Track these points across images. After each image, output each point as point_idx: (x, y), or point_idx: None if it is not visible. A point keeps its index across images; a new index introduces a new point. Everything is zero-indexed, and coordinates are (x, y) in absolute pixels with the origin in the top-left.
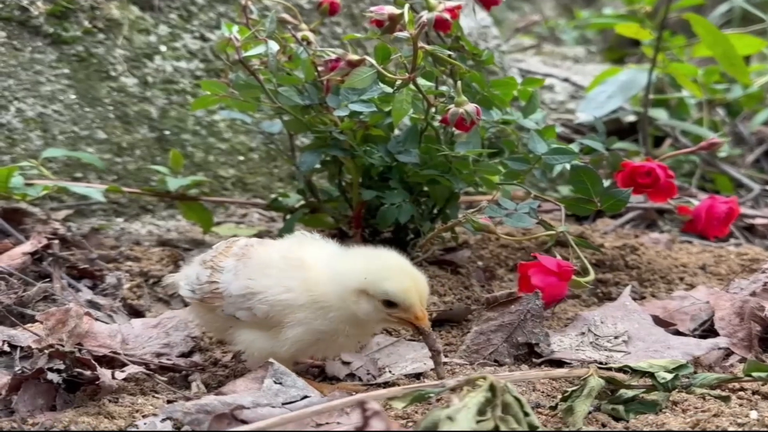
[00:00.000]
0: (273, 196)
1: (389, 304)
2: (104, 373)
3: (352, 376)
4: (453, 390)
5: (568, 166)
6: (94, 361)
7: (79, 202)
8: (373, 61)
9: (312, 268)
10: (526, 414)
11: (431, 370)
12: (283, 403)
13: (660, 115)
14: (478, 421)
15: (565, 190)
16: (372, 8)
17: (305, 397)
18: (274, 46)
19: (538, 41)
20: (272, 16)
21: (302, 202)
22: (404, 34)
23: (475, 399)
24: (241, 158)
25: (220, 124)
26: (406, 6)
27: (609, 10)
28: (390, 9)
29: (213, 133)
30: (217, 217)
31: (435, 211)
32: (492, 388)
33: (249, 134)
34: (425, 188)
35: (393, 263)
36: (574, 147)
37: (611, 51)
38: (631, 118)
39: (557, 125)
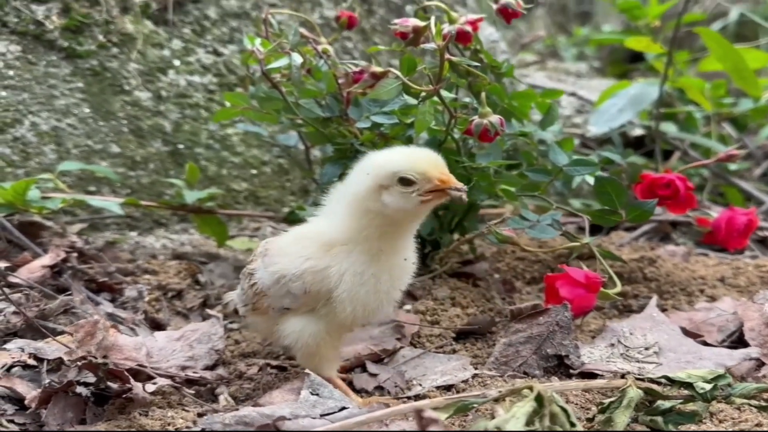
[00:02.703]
0: (286, 209)
1: (405, 182)
2: (137, 386)
3: (380, 389)
4: (496, 400)
5: (589, 178)
6: (127, 374)
7: (92, 216)
8: (398, 73)
9: (320, 233)
10: (573, 424)
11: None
12: (322, 415)
13: (669, 128)
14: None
15: (576, 203)
16: (396, 20)
17: (343, 408)
18: (297, 59)
19: (541, 57)
20: (295, 30)
21: None
22: (431, 45)
23: (523, 409)
24: (254, 172)
25: (233, 138)
26: (433, 18)
27: (608, 26)
28: (414, 21)
29: (226, 146)
30: (230, 231)
31: (453, 223)
32: (539, 399)
33: (262, 148)
34: None
35: (389, 150)
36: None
37: (614, 66)
38: (639, 131)
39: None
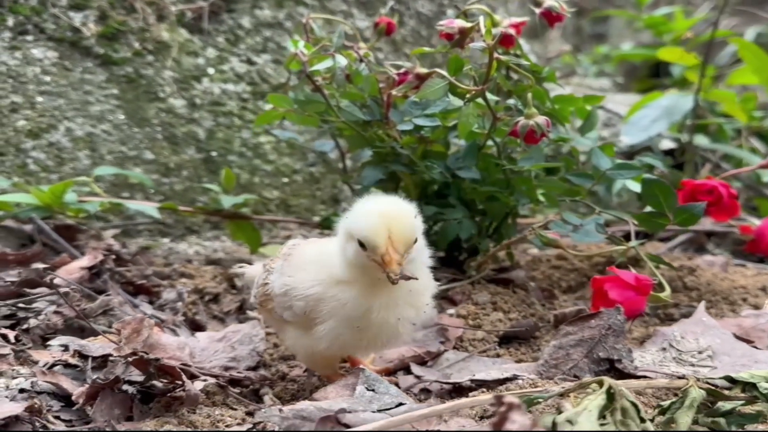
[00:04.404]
0: (316, 218)
1: (362, 244)
2: (188, 383)
3: (426, 391)
4: (561, 396)
5: (630, 183)
6: (179, 370)
7: (125, 222)
8: (444, 73)
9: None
10: (642, 420)
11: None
12: (378, 410)
13: (701, 140)
14: (601, 425)
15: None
16: (442, 21)
17: (400, 404)
18: (342, 60)
19: (563, 74)
20: (340, 32)
21: None
22: (480, 44)
23: (594, 402)
24: (285, 180)
25: (265, 146)
26: (481, 17)
27: (627, 45)
28: (460, 22)
29: (258, 154)
30: (262, 238)
31: (491, 228)
32: (610, 393)
33: (293, 156)
34: (481, 206)
35: (374, 206)
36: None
37: (639, 82)
38: (669, 144)
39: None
